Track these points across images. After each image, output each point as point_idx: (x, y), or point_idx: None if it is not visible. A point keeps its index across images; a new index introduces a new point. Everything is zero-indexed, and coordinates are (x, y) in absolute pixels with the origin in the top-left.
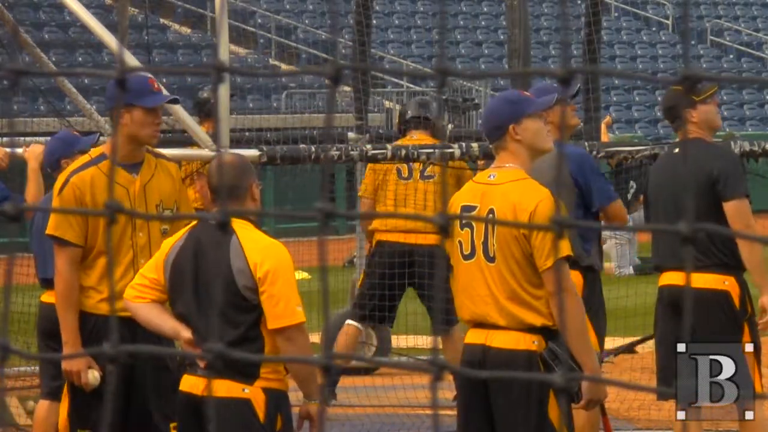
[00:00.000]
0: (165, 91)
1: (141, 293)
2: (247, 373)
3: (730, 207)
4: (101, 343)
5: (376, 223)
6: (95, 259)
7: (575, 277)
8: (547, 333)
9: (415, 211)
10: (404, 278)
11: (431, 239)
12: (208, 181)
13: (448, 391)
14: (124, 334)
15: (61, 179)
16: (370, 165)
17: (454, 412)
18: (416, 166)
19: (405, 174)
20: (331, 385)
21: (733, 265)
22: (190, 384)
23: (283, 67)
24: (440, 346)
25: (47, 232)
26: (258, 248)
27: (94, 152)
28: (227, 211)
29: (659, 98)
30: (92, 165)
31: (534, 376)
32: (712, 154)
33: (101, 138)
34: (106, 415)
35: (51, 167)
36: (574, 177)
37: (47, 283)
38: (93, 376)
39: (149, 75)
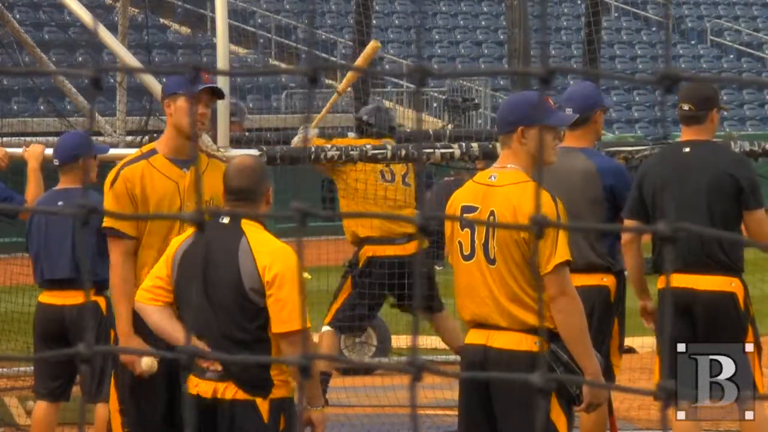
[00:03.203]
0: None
1: (155, 296)
2: (260, 383)
3: (754, 217)
4: (147, 334)
5: (361, 231)
6: (141, 251)
7: (610, 282)
8: (549, 335)
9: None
10: (393, 290)
11: (414, 247)
12: (225, 183)
13: (449, 391)
14: None
15: (112, 173)
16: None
17: (454, 412)
18: (398, 170)
19: (388, 177)
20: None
21: (737, 268)
22: (195, 385)
23: (283, 67)
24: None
25: (104, 224)
26: (267, 251)
27: (146, 147)
28: (202, 211)
29: (659, 98)
30: (142, 159)
31: (519, 376)
32: (734, 159)
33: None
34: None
35: (65, 160)
36: (609, 190)
37: (51, 284)
38: (146, 363)
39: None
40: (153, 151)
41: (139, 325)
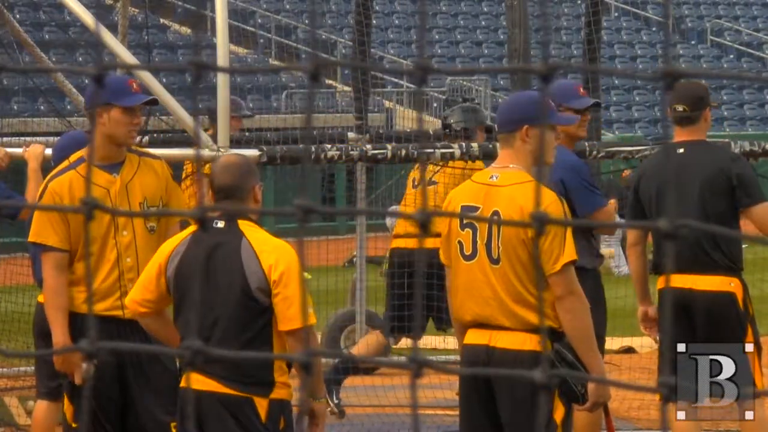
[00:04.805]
0: (146, 93)
1: (145, 306)
2: (260, 382)
3: (754, 211)
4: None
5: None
6: (80, 260)
7: None
8: (553, 334)
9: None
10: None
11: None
12: (211, 181)
13: (449, 391)
14: (112, 332)
15: (41, 186)
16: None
17: (454, 412)
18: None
19: (417, 183)
20: (335, 384)
21: (736, 267)
22: (194, 381)
23: (284, 64)
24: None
25: (29, 239)
26: (269, 250)
27: (74, 157)
28: (205, 208)
29: (659, 98)
30: (70, 169)
31: (520, 373)
32: (727, 157)
33: None
34: (85, 413)
35: (60, 161)
36: (564, 184)
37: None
38: (87, 373)
39: (129, 76)
40: (81, 160)
41: (75, 336)
